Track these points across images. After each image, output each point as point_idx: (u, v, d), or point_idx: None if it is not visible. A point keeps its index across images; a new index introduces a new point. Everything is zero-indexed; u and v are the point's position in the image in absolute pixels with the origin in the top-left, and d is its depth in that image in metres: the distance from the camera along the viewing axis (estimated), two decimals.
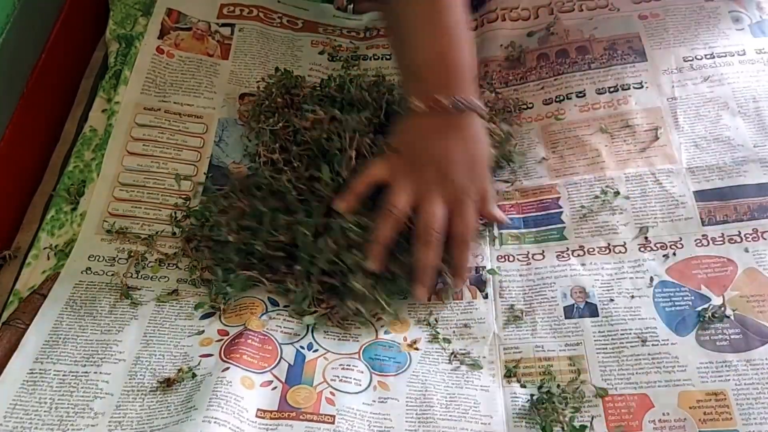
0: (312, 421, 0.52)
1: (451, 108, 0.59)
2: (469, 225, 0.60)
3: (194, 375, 0.55)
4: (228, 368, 0.54)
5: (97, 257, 0.63)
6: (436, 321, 0.60)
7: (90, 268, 0.62)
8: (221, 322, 0.59)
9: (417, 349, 0.58)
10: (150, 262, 0.63)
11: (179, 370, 0.55)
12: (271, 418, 0.52)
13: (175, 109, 0.73)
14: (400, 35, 0.63)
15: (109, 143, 0.69)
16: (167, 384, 0.54)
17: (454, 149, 0.60)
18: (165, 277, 0.63)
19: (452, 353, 0.58)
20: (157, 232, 0.65)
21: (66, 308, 0.59)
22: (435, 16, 0.60)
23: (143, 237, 0.65)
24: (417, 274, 0.59)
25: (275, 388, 0.54)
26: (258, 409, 0.52)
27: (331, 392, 0.54)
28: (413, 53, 0.61)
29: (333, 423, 0.52)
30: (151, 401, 0.54)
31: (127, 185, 0.68)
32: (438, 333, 0.59)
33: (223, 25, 0.81)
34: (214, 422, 0.50)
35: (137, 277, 0.62)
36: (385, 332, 0.60)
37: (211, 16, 0.82)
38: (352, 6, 0.86)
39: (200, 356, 0.56)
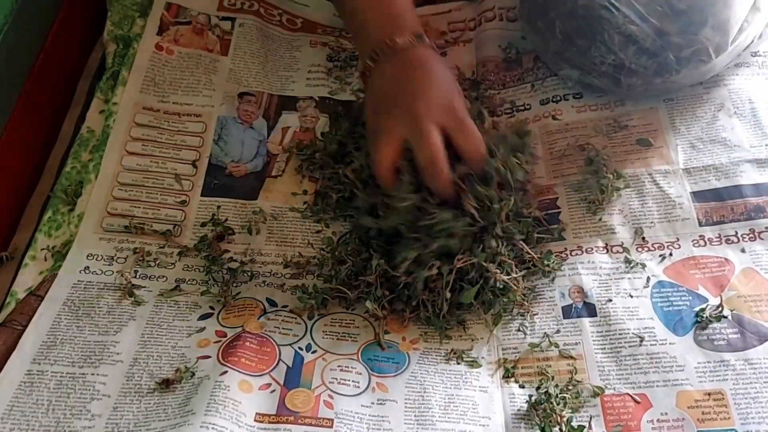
0: (310, 425, 0.52)
1: (411, 42, 0.60)
2: (473, 135, 0.58)
3: (192, 374, 0.54)
4: (226, 372, 0.54)
5: (96, 256, 0.63)
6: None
7: (88, 267, 0.62)
8: (219, 323, 0.59)
9: (416, 348, 0.58)
10: (149, 261, 0.63)
11: (176, 371, 0.55)
12: (269, 422, 0.52)
13: (174, 110, 0.73)
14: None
15: (108, 142, 0.69)
16: (165, 385, 0.54)
17: (423, 79, 0.59)
18: (163, 276, 0.63)
19: (451, 351, 0.58)
20: (155, 231, 0.65)
21: (64, 308, 0.59)
22: None
23: (141, 235, 0.65)
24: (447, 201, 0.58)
25: (274, 391, 0.54)
26: (257, 413, 0.52)
27: (329, 395, 0.54)
28: (353, 3, 0.64)
29: (331, 427, 0.52)
30: (149, 403, 0.53)
31: (126, 185, 0.68)
32: (437, 331, 0.59)
33: (224, 18, 0.81)
34: (212, 428, 0.50)
35: (135, 277, 0.62)
36: (384, 332, 0.59)
37: (211, 8, 0.81)
38: None
39: (198, 357, 0.56)
